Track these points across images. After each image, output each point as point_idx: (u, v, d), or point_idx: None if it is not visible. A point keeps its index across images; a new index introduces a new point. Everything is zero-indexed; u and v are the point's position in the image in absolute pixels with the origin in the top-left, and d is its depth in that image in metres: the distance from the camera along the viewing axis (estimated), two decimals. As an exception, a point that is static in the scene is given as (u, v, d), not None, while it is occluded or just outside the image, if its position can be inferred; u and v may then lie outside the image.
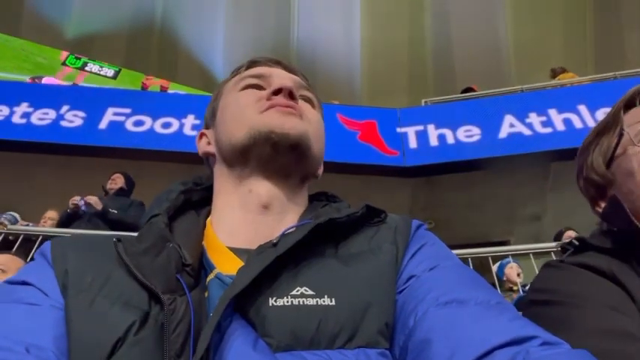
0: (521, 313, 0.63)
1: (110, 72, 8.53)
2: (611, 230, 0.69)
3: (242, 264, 0.52)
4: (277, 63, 0.72)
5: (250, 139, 0.60)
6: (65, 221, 3.89)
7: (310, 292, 0.49)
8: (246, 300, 0.48)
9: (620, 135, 0.71)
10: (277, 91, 0.63)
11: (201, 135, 0.72)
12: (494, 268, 3.64)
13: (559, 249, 0.82)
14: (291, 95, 0.64)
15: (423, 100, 6.54)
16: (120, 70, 8.64)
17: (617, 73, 5.97)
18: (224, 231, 0.60)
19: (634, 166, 0.68)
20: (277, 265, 0.50)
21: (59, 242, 0.57)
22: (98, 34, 9.43)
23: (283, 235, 0.54)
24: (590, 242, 0.70)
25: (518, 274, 3.57)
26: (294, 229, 0.55)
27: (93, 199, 3.83)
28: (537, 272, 0.72)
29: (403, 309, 0.50)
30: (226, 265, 0.54)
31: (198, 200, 0.69)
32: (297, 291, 0.49)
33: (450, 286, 0.50)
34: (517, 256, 3.58)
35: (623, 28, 8.53)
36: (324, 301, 0.48)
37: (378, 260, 0.55)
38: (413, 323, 0.48)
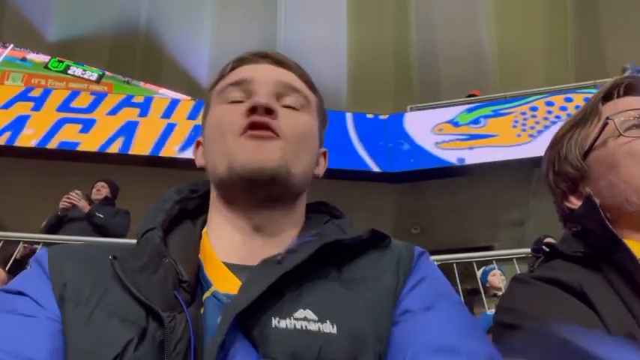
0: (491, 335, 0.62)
1: (94, 75, 8.43)
2: (584, 232, 0.66)
3: (239, 282, 0.52)
4: (265, 57, 0.68)
5: (227, 174, 0.58)
6: (55, 224, 3.83)
7: (313, 317, 0.49)
8: (249, 317, 0.48)
9: (605, 124, 0.68)
10: (254, 109, 0.59)
11: (198, 144, 0.70)
12: (479, 273, 3.67)
13: (531, 255, 0.78)
14: (268, 110, 0.59)
15: (408, 107, 6.60)
16: (103, 73, 8.54)
17: (596, 81, 6.10)
18: (219, 246, 0.59)
19: (618, 158, 0.65)
20: (281, 282, 0.50)
21: (57, 252, 0.55)
22: (82, 38, 9.31)
23: (288, 252, 0.53)
24: (561, 250, 0.67)
25: (502, 281, 3.60)
26: (297, 246, 0.54)
27: (81, 203, 3.77)
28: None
29: (394, 345, 0.50)
30: (223, 284, 0.53)
31: (194, 208, 0.66)
32: (301, 314, 0.49)
33: (444, 331, 0.50)
34: (501, 261, 3.62)
35: (603, 39, 8.73)
36: (326, 328, 0.48)
37: (379, 289, 0.54)
38: None
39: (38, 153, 4.94)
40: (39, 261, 0.55)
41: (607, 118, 0.68)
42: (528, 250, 3.67)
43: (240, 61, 0.68)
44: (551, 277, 0.61)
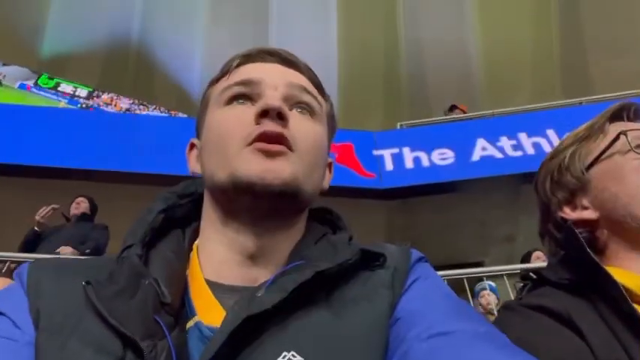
0: None
1: (84, 92, 8.41)
2: (568, 258, 0.66)
3: (224, 313, 0.47)
4: (273, 54, 0.61)
5: (230, 185, 0.53)
6: (32, 240, 3.78)
7: (299, 358, 0.43)
8: None
9: (616, 138, 0.69)
10: (264, 112, 0.54)
11: (192, 145, 0.64)
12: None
13: (520, 284, 0.78)
14: (280, 116, 0.54)
15: (398, 124, 6.67)
16: (94, 90, 8.53)
17: (582, 99, 6.23)
18: (209, 265, 0.55)
19: (625, 172, 0.66)
20: (262, 318, 0.45)
21: (36, 268, 0.53)
22: (73, 54, 9.31)
23: (269, 285, 0.49)
24: (547, 277, 0.67)
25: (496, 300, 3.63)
26: (281, 275, 0.50)
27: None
28: (510, 293, 0.70)
29: (387, 350, 0.47)
30: (207, 314, 0.49)
31: (185, 214, 0.61)
32: (284, 357, 0.43)
33: (433, 319, 0.47)
34: (491, 278, 3.63)
35: (588, 57, 8.93)
36: None
37: (372, 309, 0.50)
38: None
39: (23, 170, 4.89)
40: (20, 277, 0.52)
41: (620, 133, 0.69)
42: (518, 265, 3.72)
43: (246, 58, 0.61)
44: (538, 304, 0.62)
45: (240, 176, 0.52)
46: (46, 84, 8.20)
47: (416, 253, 0.59)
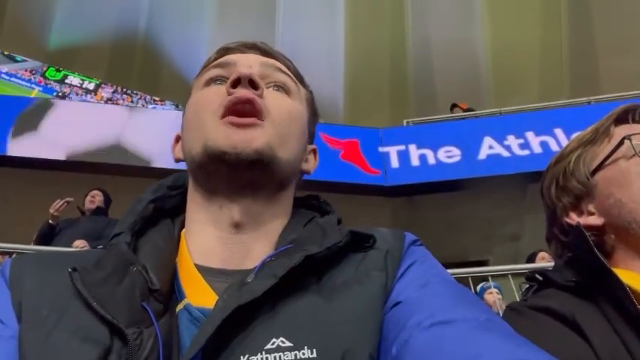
0: None
1: (91, 85, 8.44)
2: (575, 260, 0.65)
3: (214, 294, 0.47)
4: (252, 47, 0.63)
5: (205, 156, 0.53)
6: (47, 233, 3.78)
7: (288, 344, 0.43)
8: (215, 352, 0.43)
9: (621, 143, 0.68)
10: (237, 82, 0.55)
11: (177, 138, 0.65)
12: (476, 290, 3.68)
13: (526, 285, 0.78)
14: (253, 84, 0.55)
15: (405, 121, 6.66)
16: (101, 83, 8.56)
17: (591, 98, 6.19)
18: (197, 249, 0.54)
19: (630, 177, 0.65)
20: (252, 305, 0.44)
21: (19, 262, 0.53)
22: (80, 47, 9.35)
23: (258, 270, 0.48)
24: (553, 279, 0.66)
25: (500, 299, 3.62)
26: (270, 260, 0.49)
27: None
28: (515, 292, 0.69)
29: (386, 337, 0.46)
30: (197, 296, 0.49)
31: (175, 205, 0.61)
32: (273, 343, 0.43)
33: (434, 307, 0.45)
34: (496, 277, 3.62)
35: (597, 56, 8.85)
36: (303, 354, 0.42)
37: (364, 292, 0.49)
38: (396, 352, 0.43)
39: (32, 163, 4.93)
40: (3, 271, 0.52)
41: (624, 138, 0.68)
42: (523, 265, 3.70)
43: (225, 50, 0.64)
44: (544, 306, 0.61)
45: (212, 146, 0.53)
46: (54, 76, 8.25)
47: (410, 236, 0.58)
